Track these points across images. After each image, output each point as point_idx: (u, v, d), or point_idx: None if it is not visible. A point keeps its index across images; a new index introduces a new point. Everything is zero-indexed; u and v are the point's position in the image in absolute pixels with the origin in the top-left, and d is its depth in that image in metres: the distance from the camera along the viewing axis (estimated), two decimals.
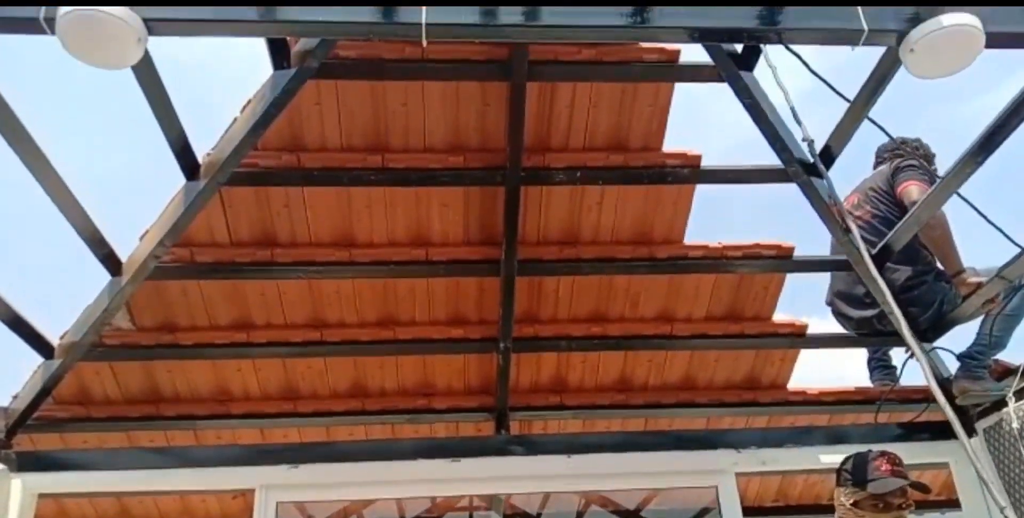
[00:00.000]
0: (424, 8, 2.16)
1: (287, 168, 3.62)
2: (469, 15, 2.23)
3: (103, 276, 3.63)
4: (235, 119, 3.31)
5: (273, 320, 4.19)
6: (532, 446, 4.22)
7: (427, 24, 2.16)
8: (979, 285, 3.68)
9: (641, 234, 4.06)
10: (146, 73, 2.83)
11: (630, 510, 5.88)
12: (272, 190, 3.71)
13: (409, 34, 2.23)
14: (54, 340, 3.80)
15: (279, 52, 3.14)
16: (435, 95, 3.51)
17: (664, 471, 4.22)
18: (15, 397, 3.88)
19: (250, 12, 2.26)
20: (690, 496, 4.92)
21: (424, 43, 2.22)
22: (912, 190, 3.66)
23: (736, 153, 3.46)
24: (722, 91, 3.43)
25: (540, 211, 3.94)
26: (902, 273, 3.85)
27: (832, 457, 3.41)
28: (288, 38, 3.11)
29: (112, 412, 4.41)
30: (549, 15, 2.24)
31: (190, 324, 4.16)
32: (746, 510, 5.58)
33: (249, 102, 3.28)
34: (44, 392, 3.87)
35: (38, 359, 3.82)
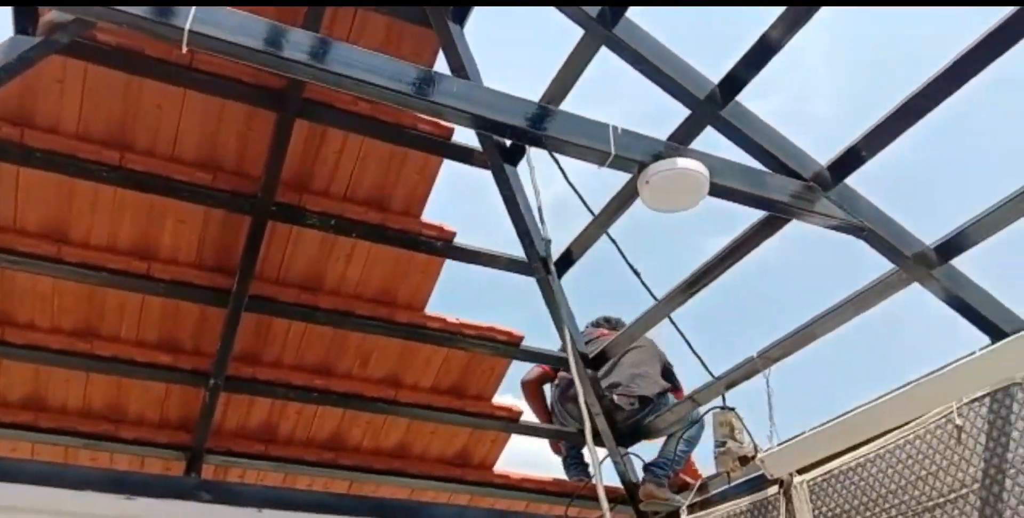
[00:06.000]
0: (192, 11, 2.01)
1: (5, 141, 3.23)
2: (253, 38, 2.11)
3: None
4: None
5: None
6: (223, 494, 3.85)
7: (191, 31, 2.01)
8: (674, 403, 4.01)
9: (385, 295, 4.01)
10: None
11: None
12: None
13: (170, 36, 2.06)
14: None
15: (26, 14, 2.83)
16: (196, 106, 3.32)
17: None
18: None
19: None
20: None
21: (184, 49, 2.06)
22: None
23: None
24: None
25: (285, 250, 3.79)
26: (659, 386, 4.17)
27: None
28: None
29: None
30: (336, 63, 2.19)
31: None
32: None
33: None
34: None
35: None
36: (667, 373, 4.33)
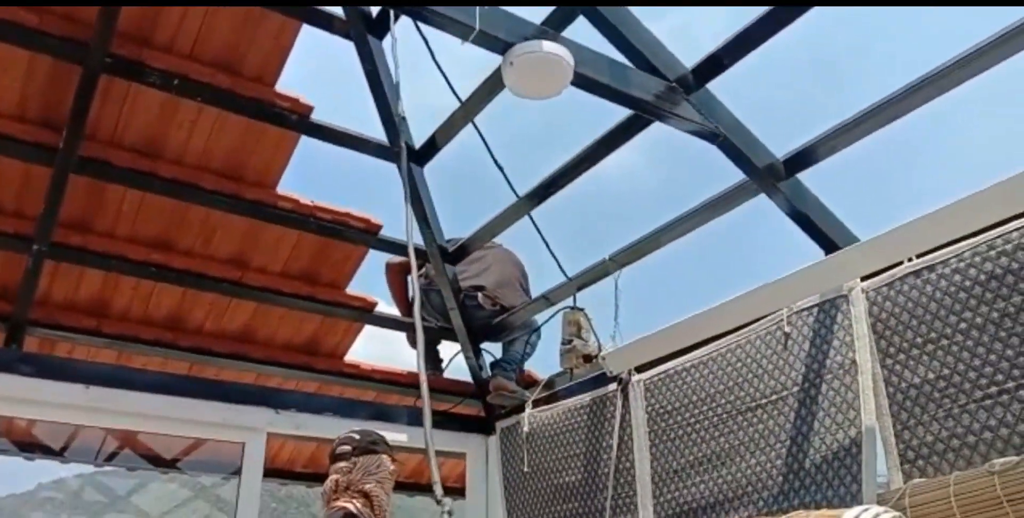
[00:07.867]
0: None
1: None
2: None
3: None
4: None
5: None
6: (47, 368, 3.63)
7: None
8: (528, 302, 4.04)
9: (232, 168, 3.76)
10: None
11: (166, 459, 5.49)
12: None
13: None
14: None
15: None
16: None
17: (194, 420, 3.90)
18: None
19: None
20: (233, 451, 4.70)
21: None
22: None
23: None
24: None
25: (122, 109, 3.44)
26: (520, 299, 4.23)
27: None
28: None
29: None
30: None
31: None
32: (276, 472, 5.54)
33: None
34: None
35: None
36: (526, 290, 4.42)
